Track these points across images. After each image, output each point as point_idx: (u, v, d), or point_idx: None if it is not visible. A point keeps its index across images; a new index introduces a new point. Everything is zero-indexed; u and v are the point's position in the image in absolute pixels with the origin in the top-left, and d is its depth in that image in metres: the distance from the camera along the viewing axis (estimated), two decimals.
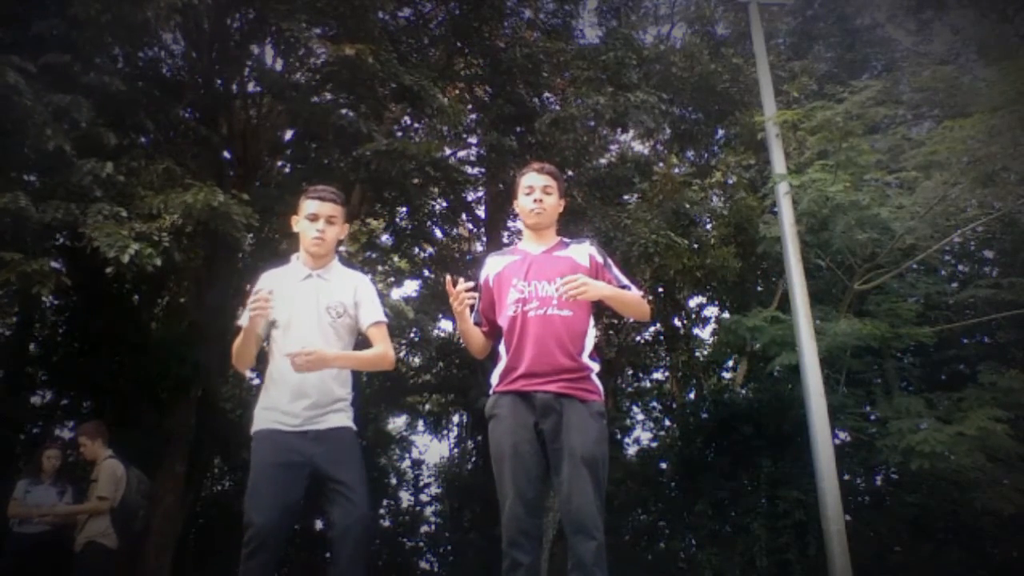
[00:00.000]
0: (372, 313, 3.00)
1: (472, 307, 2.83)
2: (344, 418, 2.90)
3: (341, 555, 2.65)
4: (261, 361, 3.08)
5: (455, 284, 2.70)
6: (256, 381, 15.42)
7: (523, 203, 2.96)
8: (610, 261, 2.97)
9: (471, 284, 2.76)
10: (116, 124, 7.36)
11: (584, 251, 2.93)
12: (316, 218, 2.97)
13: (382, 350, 2.96)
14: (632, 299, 2.87)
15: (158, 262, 6.47)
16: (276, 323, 2.91)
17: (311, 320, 2.89)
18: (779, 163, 9.40)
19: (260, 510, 2.65)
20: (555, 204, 2.97)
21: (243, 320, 2.88)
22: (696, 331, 15.55)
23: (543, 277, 2.81)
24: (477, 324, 2.92)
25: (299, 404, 2.81)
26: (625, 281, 2.91)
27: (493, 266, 2.99)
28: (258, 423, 2.85)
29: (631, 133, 12.46)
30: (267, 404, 2.88)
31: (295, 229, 3.05)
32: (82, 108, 6.57)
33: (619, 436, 14.82)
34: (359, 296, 3.01)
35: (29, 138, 6.32)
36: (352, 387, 3.02)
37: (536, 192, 2.93)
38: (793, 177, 9.10)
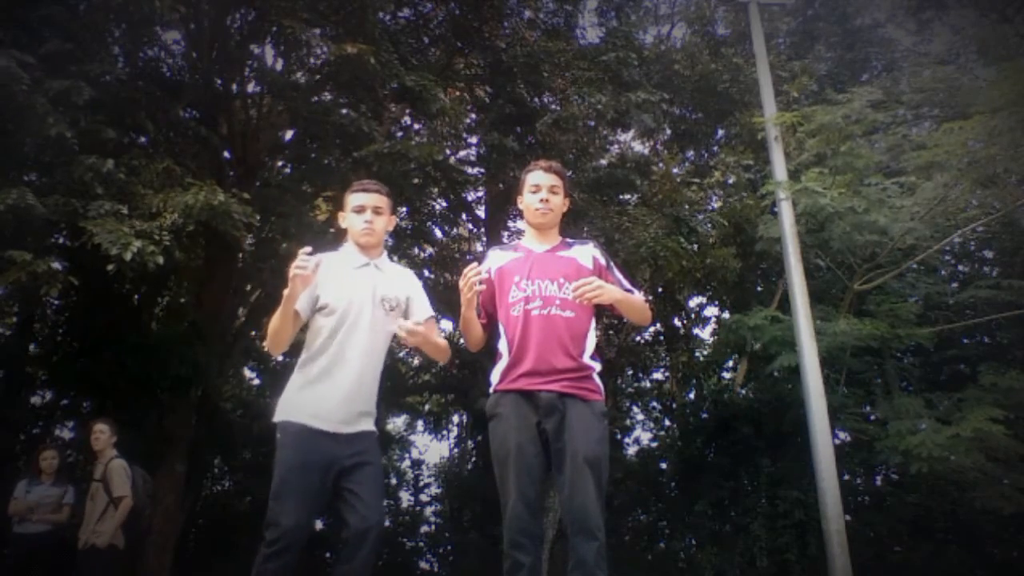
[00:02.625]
0: (426, 307, 3.01)
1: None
2: (371, 422, 2.87)
3: (354, 557, 2.62)
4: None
5: (469, 273, 2.70)
6: (256, 382, 15.44)
7: (529, 201, 2.95)
8: (612, 264, 2.98)
9: (486, 276, 2.81)
10: (116, 123, 7.37)
11: (588, 252, 2.94)
12: (363, 209, 2.97)
13: (445, 343, 2.98)
14: (639, 303, 2.89)
15: (160, 260, 6.46)
16: (326, 308, 2.80)
17: (366, 309, 2.83)
18: (779, 164, 9.39)
19: (288, 512, 2.56)
20: (561, 204, 2.97)
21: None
22: (696, 331, 15.58)
23: (546, 276, 2.82)
24: (476, 315, 2.91)
25: (343, 406, 2.75)
26: (627, 284, 2.91)
27: (495, 260, 2.98)
28: (288, 414, 2.73)
29: (631, 133, 12.46)
30: (305, 397, 2.75)
31: (342, 225, 3.04)
32: (83, 92, 6.54)
33: (619, 436, 14.82)
34: (412, 291, 3.02)
35: (31, 132, 6.29)
36: None
37: (543, 191, 2.92)
38: (787, 185, 9.09)
